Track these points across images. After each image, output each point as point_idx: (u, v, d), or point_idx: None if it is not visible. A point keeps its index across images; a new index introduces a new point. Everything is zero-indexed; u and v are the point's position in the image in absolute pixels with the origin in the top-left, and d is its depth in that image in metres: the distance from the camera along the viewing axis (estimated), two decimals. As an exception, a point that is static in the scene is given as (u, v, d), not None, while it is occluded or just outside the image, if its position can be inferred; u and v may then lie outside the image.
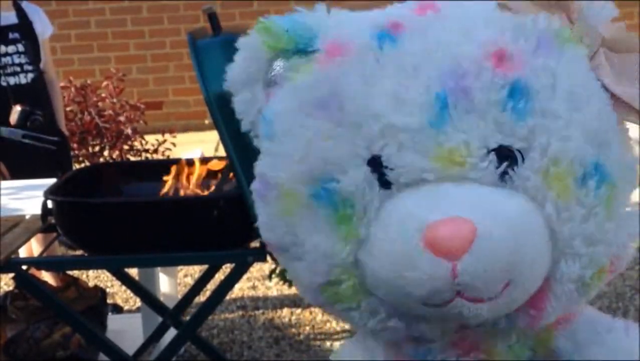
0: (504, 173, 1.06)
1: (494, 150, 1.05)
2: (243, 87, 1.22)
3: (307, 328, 3.78)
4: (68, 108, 5.35)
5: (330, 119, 1.09)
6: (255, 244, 2.52)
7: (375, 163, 1.07)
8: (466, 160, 1.04)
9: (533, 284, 1.08)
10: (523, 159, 1.06)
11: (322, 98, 1.10)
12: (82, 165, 5.06)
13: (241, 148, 2.33)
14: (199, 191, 2.67)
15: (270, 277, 3.80)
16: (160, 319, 3.02)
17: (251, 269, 2.69)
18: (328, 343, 3.63)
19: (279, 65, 1.18)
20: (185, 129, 7.35)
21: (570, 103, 1.07)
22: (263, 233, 1.18)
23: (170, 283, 3.67)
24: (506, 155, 1.06)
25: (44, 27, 4.15)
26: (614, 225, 1.09)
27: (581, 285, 1.10)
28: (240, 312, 4.00)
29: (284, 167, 1.12)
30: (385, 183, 1.07)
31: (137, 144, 5.48)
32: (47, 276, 3.55)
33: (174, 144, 5.53)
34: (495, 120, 1.05)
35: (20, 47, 3.99)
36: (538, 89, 1.06)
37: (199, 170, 2.71)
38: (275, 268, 3.64)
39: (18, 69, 3.98)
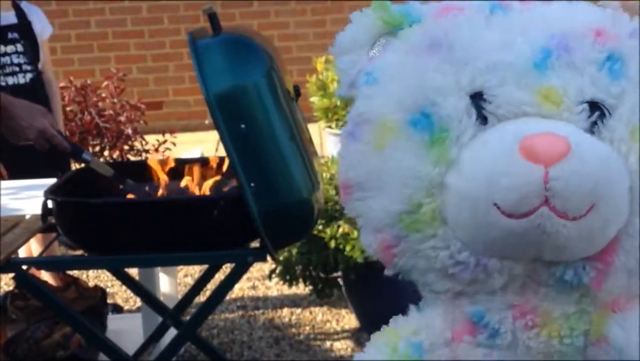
0: (594, 123, 1.13)
1: (587, 102, 1.13)
2: (349, 51, 1.27)
3: (307, 328, 3.78)
4: (68, 109, 5.35)
5: (439, 57, 1.16)
6: (255, 244, 2.52)
7: (477, 99, 1.14)
8: (563, 101, 1.12)
9: (613, 221, 1.12)
10: (611, 116, 1.14)
11: (433, 39, 1.17)
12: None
13: (241, 148, 2.34)
14: (198, 191, 2.67)
15: (270, 277, 3.79)
16: (160, 319, 3.02)
17: (251, 269, 2.69)
18: (328, 343, 3.63)
19: (383, 43, 1.24)
20: (185, 129, 7.34)
21: None
22: (344, 173, 1.22)
23: (170, 283, 3.67)
24: (598, 108, 1.14)
25: (43, 27, 4.15)
26: None
27: None
28: (240, 312, 4.00)
29: (384, 101, 1.18)
30: (483, 118, 1.13)
31: (137, 144, 5.48)
32: (47, 276, 3.55)
33: (174, 144, 5.53)
34: (592, 76, 1.13)
35: (19, 47, 3.99)
36: (631, 62, 1.15)
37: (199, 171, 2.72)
38: (275, 268, 3.65)
39: (17, 69, 3.98)
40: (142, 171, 2.75)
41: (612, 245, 1.13)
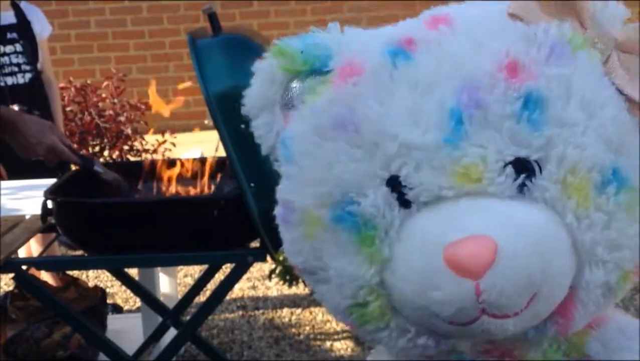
0: (522, 185, 1.05)
1: (510, 162, 1.05)
2: (261, 111, 1.22)
3: (307, 328, 3.78)
4: (68, 109, 5.36)
5: (347, 141, 1.09)
6: (255, 244, 2.52)
7: (394, 183, 1.07)
8: (483, 176, 1.04)
9: (558, 295, 1.08)
10: (540, 170, 1.05)
11: (338, 119, 1.10)
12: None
13: (241, 148, 2.33)
14: (198, 191, 2.67)
15: (270, 277, 3.80)
16: (160, 319, 3.02)
17: (251, 269, 2.69)
18: (328, 343, 3.63)
19: (295, 87, 1.18)
20: (185, 129, 7.34)
21: (585, 110, 1.06)
22: (289, 257, 1.19)
23: (170, 283, 3.67)
24: (523, 168, 1.05)
25: (42, 27, 4.15)
26: (637, 228, 1.08)
27: (607, 290, 1.10)
28: (240, 312, 4.00)
29: (304, 191, 1.13)
30: (405, 203, 1.07)
31: (137, 144, 5.48)
32: (47, 276, 3.55)
33: (174, 144, 5.53)
34: (510, 132, 1.04)
35: (19, 47, 3.99)
36: (552, 98, 1.05)
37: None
38: (275, 268, 3.65)
39: (16, 68, 3.98)
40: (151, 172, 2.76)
41: (568, 300, 1.09)
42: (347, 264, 1.09)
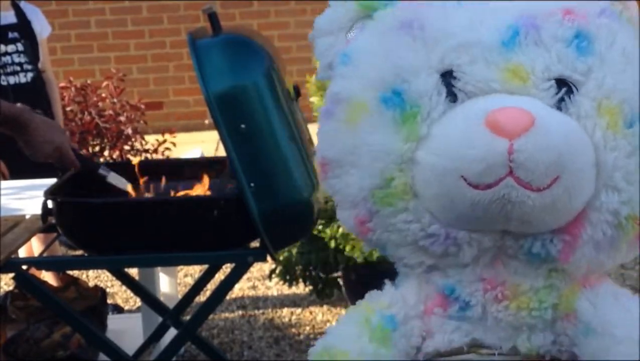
0: (561, 100, 1.16)
1: (555, 79, 1.16)
2: (327, 34, 1.30)
3: (307, 328, 3.78)
4: (68, 109, 5.36)
5: (410, 35, 1.19)
6: (255, 244, 2.52)
7: (447, 77, 1.17)
8: (530, 78, 1.15)
9: (577, 194, 1.14)
10: (578, 92, 1.17)
11: (405, 20, 1.20)
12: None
13: (241, 148, 2.34)
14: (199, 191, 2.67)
15: (270, 277, 3.80)
16: (160, 319, 3.02)
17: (251, 269, 2.69)
18: (328, 343, 3.62)
19: (360, 26, 1.27)
20: (185, 129, 7.35)
21: (625, 57, 1.18)
22: (321, 151, 1.26)
23: (170, 283, 3.67)
24: (565, 84, 1.17)
25: (42, 26, 4.16)
26: None
27: (617, 223, 1.16)
28: (240, 312, 4.00)
29: (357, 80, 1.21)
30: (452, 95, 1.16)
31: (137, 144, 5.48)
32: (47, 277, 3.55)
33: (174, 144, 5.53)
34: (559, 53, 1.17)
35: (20, 47, 4.00)
36: (599, 39, 1.18)
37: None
38: (275, 268, 3.65)
39: (18, 68, 3.98)
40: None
41: (579, 219, 1.16)
42: (386, 139, 1.17)
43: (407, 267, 1.26)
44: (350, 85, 1.21)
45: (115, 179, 2.59)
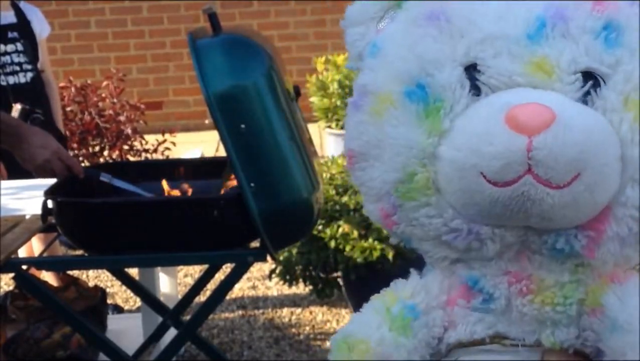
0: (587, 93, 1.13)
1: (581, 72, 1.13)
2: (357, 24, 1.29)
3: (307, 328, 3.78)
4: (68, 109, 5.36)
5: (436, 27, 1.18)
6: (255, 244, 2.52)
7: (471, 70, 1.16)
8: (554, 71, 1.13)
9: (600, 190, 1.13)
10: (605, 85, 1.14)
11: (432, 11, 1.20)
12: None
13: (241, 148, 2.34)
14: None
15: (270, 277, 3.80)
16: (160, 319, 3.02)
17: (251, 269, 2.69)
18: (328, 343, 3.62)
19: (392, 15, 1.26)
20: (185, 129, 7.35)
21: None
22: (348, 143, 1.26)
23: (170, 283, 3.67)
24: (592, 77, 1.14)
25: (41, 26, 4.16)
26: None
27: None
28: (240, 312, 4.00)
29: (383, 73, 1.21)
30: (476, 89, 1.15)
31: (137, 144, 5.49)
32: (47, 277, 3.55)
33: (174, 144, 5.53)
34: (586, 45, 1.14)
35: (19, 46, 4.00)
36: (630, 30, 1.16)
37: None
38: (275, 268, 3.65)
39: (17, 68, 3.99)
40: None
41: (603, 214, 1.14)
42: (407, 133, 1.16)
43: (432, 259, 1.25)
44: (377, 77, 1.21)
45: (119, 183, 2.59)
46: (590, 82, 1.13)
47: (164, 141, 5.51)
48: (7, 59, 3.96)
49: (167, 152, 5.47)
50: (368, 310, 1.27)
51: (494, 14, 1.16)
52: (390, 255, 3.28)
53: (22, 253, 3.35)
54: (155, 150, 5.47)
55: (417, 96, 1.15)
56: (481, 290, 1.21)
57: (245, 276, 3.09)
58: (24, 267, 2.57)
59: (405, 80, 1.17)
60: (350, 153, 1.25)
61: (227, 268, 2.68)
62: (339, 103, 5.54)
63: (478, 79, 1.14)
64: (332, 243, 3.35)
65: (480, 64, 1.14)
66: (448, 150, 1.14)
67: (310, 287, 3.63)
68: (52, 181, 2.73)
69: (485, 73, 1.14)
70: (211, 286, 3.12)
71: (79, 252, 2.75)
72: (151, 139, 5.56)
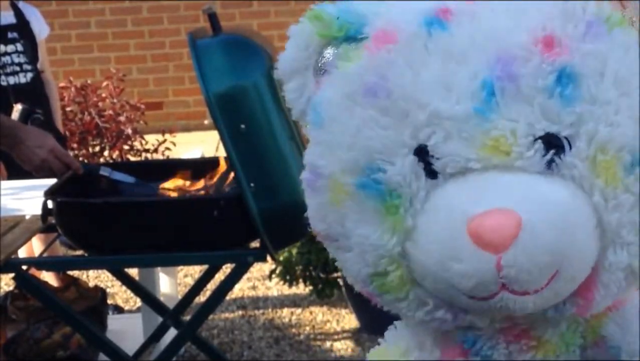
0: (551, 161, 1.05)
1: (540, 137, 1.04)
2: (293, 75, 1.20)
3: (307, 328, 3.78)
4: (68, 109, 5.36)
5: (377, 107, 1.09)
6: (255, 244, 2.52)
7: (422, 153, 1.07)
8: (512, 149, 1.04)
9: (580, 274, 1.07)
10: (570, 147, 1.05)
11: (370, 86, 1.10)
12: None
13: (241, 148, 2.34)
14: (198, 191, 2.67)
15: (270, 277, 3.80)
16: (160, 319, 3.02)
17: (251, 269, 2.69)
18: (328, 343, 3.63)
19: (329, 53, 1.17)
20: (185, 129, 7.35)
21: (618, 89, 1.06)
22: (313, 223, 1.19)
23: (170, 283, 3.67)
24: (553, 143, 1.05)
25: (40, 27, 4.16)
26: None
27: (630, 273, 1.09)
28: (240, 312, 4.00)
29: (332, 157, 1.13)
30: (431, 173, 1.07)
31: (137, 144, 5.49)
32: (47, 277, 3.55)
33: (174, 144, 5.53)
34: (542, 107, 1.04)
35: (19, 47, 4.00)
36: (586, 75, 1.05)
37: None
38: (275, 268, 3.65)
39: (17, 68, 3.99)
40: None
41: (590, 280, 1.08)
42: (370, 232, 1.09)
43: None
44: (327, 160, 1.13)
45: (119, 176, 2.59)
46: (552, 151, 1.04)
47: (164, 141, 5.51)
48: (7, 59, 3.96)
49: (167, 152, 5.47)
50: None
51: (436, 86, 1.05)
52: (390, 255, 3.27)
53: (22, 253, 3.35)
54: (155, 150, 5.47)
55: (372, 190, 1.08)
56: (479, 351, 1.17)
57: (245, 277, 3.09)
58: (24, 267, 2.57)
59: (355, 170, 1.09)
60: (318, 234, 1.19)
61: (227, 268, 2.68)
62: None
63: (432, 164, 1.06)
64: (332, 244, 3.35)
65: (432, 149, 1.05)
66: (416, 252, 1.07)
67: (310, 287, 3.62)
68: (52, 181, 2.73)
69: (439, 159, 1.05)
70: (211, 286, 3.11)
71: (79, 252, 2.75)
72: (151, 139, 5.56)
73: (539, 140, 1.04)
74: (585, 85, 1.04)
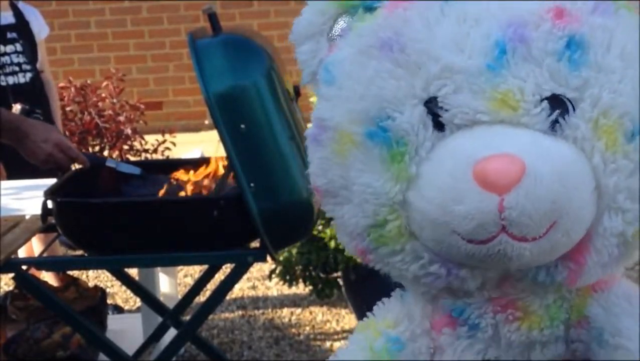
0: (555, 122, 1.09)
1: (547, 98, 1.08)
2: (307, 39, 1.24)
3: (307, 328, 3.78)
4: (68, 109, 5.36)
5: (391, 60, 1.12)
6: (255, 244, 2.52)
7: (431, 105, 1.10)
8: (520, 105, 1.07)
9: (577, 230, 1.10)
10: (574, 109, 1.09)
11: (385, 40, 1.13)
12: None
13: (241, 148, 2.34)
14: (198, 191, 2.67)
15: (270, 277, 3.80)
16: (160, 319, 3.02)
17: (251, 269, 2.69)
18: (328, 343, 3.63)
19: (343, 21, 1.21)
20: (185, 129, 7.35)
21: (624, 61, 1.10)
22: (314, 180, 1.21)
23: (170, 283, 3.67)
24: (559, 105, 1.09)
25: (40, 27, 4.17)
26: None
27: (622, 242, 1.12)
28: (240, 312, 4.00)
29: (340, 110, 1.15)
30: (439, 125, 1.10)
31: (137, 144, 5.49)
32: (47, 277, 3.55)
33: (174, 144, 5.53)
34: (550, 69, 1.08)
35: (19, 47, 4.01)
36: (594, 44, 1.10)
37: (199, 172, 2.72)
38: (275, 268, 3.65)
39: (17, 68, 3.99)
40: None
41: (583, 244, 1.11)
42: (373, 180, 1.11)
43: (412, 290, 1.23)
44: (335, 113, 1.15)
45: (125, 167, 2.59)
46: (557, 111, 1.08)
47: (164, 141, 5.51)
48: (6, 59, 3.96)
49: (167, 152, 5.47)
50: (353, 346, 1.25)
51: (449, 41, 1.10)
52: (390, 255, 3.27)
53: (22, 253, 3.35)
54: (155, 150, 5.47)
55: (379, 138, 1.10)
56: (466, 320, 1.18)
57: (245, 277, 3.09)
58: (24, 267, 2.57)
59: (365, 120, 1.12)
60: (317, 189, 1.20)
61: (227, 268, 2.68)
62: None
63: (440, 115, 1.09)
64: (332, 243, 3.35)
65: (441, 100, 1.09)
66: (417, 200, 1.09)
67: (310, 287, 3.63)
68: (52, 181, 2.73)
69: (448, 110, 1.08)
70: (211, 286, 3.12)
71: (79, 252, 2.75)
72: (151, 139, 5.56)
73: (546, 100, 1.08)
74: (593, 53, 1.09)
